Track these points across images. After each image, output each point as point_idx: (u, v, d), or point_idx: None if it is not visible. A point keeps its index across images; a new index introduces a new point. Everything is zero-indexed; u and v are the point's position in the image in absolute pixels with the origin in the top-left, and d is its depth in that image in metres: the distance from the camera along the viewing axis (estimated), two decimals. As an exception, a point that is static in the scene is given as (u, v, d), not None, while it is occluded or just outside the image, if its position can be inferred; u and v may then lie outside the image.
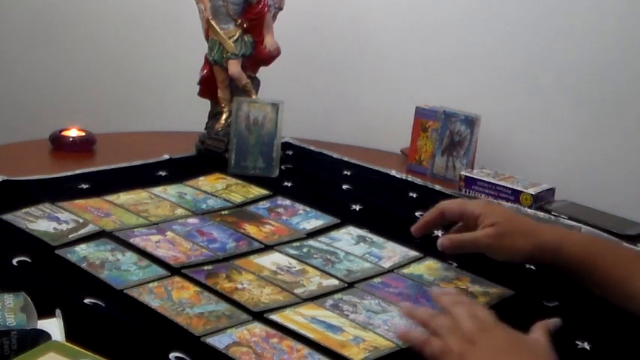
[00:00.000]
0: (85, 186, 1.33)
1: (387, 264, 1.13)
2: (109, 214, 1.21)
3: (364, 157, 1.61)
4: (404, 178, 1.52)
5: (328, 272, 1.08)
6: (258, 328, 0.92)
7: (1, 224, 1.13)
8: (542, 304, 1.04)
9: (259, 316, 0.95)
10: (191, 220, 1.22)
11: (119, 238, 1.13)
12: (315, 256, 1.13)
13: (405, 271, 1.11)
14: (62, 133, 1.57)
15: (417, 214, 1.32)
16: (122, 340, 0.86)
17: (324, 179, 1.47)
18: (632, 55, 1.55)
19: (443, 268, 1.12)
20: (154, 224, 1.19)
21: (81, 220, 1.17)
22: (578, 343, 0.95)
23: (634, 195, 1.56)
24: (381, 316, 0.97)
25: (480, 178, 1.45)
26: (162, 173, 1.43)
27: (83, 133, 1.58)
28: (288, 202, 1.33)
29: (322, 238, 1.20)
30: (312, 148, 1.67)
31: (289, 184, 1.42)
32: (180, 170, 1.45)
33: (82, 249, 1.08)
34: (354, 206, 1.33)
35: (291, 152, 1.61)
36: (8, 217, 1.15)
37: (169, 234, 1.16)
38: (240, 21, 1.49)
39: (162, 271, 1.04)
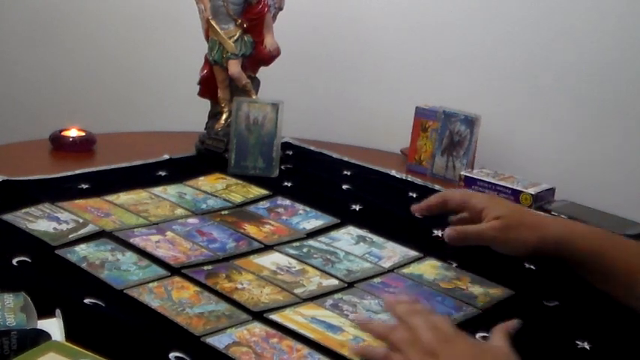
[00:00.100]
0: (85, 186, 1.33)
1: (387, 264, 1.13)
2: (109, 214, 1.21)
3: (364, 157, 1.61)
4: (404, 178, 1.52)
5: (328, 272, 1.08)
6: (258, 328, 0.92)
7: (1, 224, 1.13)
8: (542, 304, 1.04)
9: (259, 316, 0.95)
10: (191, 220, 1.22)
11: (119, 238, 1.13)
12: (315, 256, 1.13)
13: (405, 271, 1.11)
14: (62, 133, 1.57)
15: (417, 214, 1.32)
16: (122, 340, 0.86)
17: (324, 179, 1.47)
18: (632, 55, 1.55)
19: (443, 268, 1.12)
20: (154, 224, 1.19)
21: (81, 220, 1.17)
22: (578, 343, 0.95)
23: (634, 195, 1.56)
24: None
25: (479, 178, 1.45)
26: (162, 173, 1.43)
27: (83, 133, 1.58)
28: (288, 202, 1.33)
29: (322, 238, 1.20)
30: (312, 148, 1.67)
31: (289, 184, 1.42)
32: (180, 170, 1.45)
33: (82, 249, 1.08)
34: (354, 206, 1.33)
35: (291, 152, 1.61)
36: (8, 217, 1.15)
37: (169, 234, 1.16)
38: (240, 21, 1.49)
39: (162, 271, 1.04)
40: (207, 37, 1.53)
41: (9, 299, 0.84)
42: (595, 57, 1.58)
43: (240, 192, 1.36)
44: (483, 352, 0.81)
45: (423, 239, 1.22)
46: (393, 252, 1.16)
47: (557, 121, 1.63)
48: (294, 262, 1.11)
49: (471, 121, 1.53)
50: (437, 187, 1.48)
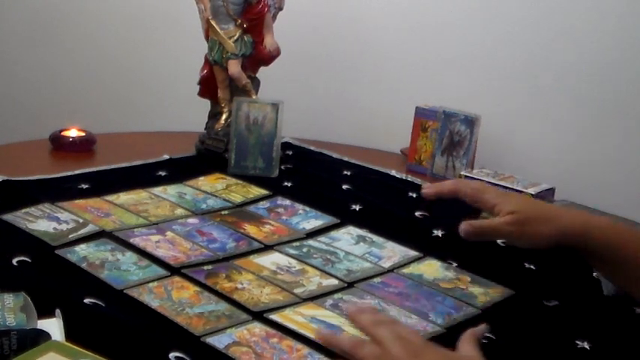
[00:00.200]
0: (85, 186, 1.33)
1: (386, 264, 1.13)
2: (109, 214, 1.21)
3: (364, 157, 1.61)
4: (404, 178, 1.52)
5: (328, 272, 1.08)
6: (258, 327, 0.92)
7: (1, 224, 1.13)
8: (542, 304, 1.04)
9: (259, 315, 0.95)
10: (191, 220, 1.22)
11: (119, 238, 1.13)
12: (314, 255, 1.13)
13: (405, 270, 1.11)
14: (62, 133, 1.57)
15: (417, 214, 1.32)
16: (122, 340, 0.86)
17: (324, 179, 1.47)
18: (632, 55, 1.55)
19: (443, 267, 1.12)
20: (154, 224, 1.19)
21: (81, 220, 1.17)
22: (578, 342, 0.95)
23: (634, 195, 1.56)
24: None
25: (479, 178, 1.44)
26: (162, 173, 1.43)
27: (83, 133, 1.58)
28: (288, 202, 1.33)
29: (322, 238, 1.20)
30: (312, 148, 1.67)
31: (289, 184, 1.42)
32: (180, 170, 1.45)
33: (82, 249, 1.08)
34: (354, 206, 1.33)
35: (291, 152, 1.61)
36: (8, 217, 1.15)
37: (169, 234, 1.16)
38: (240, 21, 1.49)
39: (162, 271, 1.04)
40: (207, 37, 1.53)
41: (9, 299, 0.84)
42: (595, 57, 1.58)
43: (240, 192, 1.36)
44: None
45: (423, 239, 1.22)
46: (392, 252, 1.16)
47: (557, 121, 1.63)
48: (294, 262, 1.11)
49: (471, 121, 1.53)
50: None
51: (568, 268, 1.14)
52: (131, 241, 1.12)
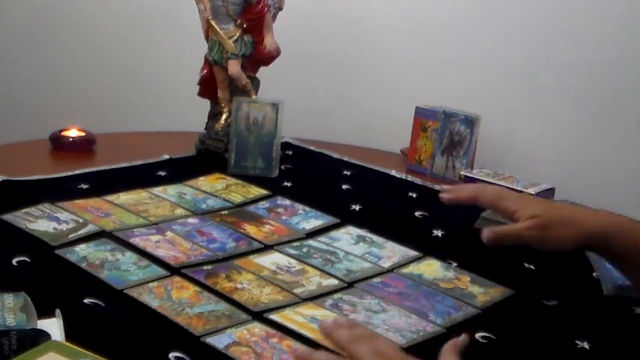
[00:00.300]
0: (85, 186, 1.33)
1: (386, 264, 1.13)
2: (109, 214, 1.21)
3: (364, 157, 1.61)
4: (404, 178, 1.52)
5: (328, 272, 1.08)
6: (257, 327, 0.92)
7: (1, 224, 1.13)
8: (542, 304, 1.04)
9: (259, 315, 0.95)
10: (191, 220, 1.22)
11: (119, 238, 1.13)
12: (314, 255, 1.13)
13: (405, 270, 1.11)
14: (62, 133, 1.57)
15: (416, 214, 1.32)
16: (122, 339, 0.86)
17: (324, 179, 1.47)
18: (632, 55, 1.55)
19: (443, 267, 1.12)
20: (154, 224, 1.19)
21: (81, 220, 1.17)
22: (578, 342, 0.95)
23: (634, 195, 1.56)
24: (381, 315, 0.97)
25: (479, 177, 1.45)
26: (162, 173, 1.43)
27: (83, 133, 1.58)
28: (287, 202, 1.33)
29: (322, 238, 1.20)
30: (312, 148, 1.67)
31: (289, 184, 1.42)
32: (180, 170, 1.45)
33: (81, 249, 1.08)
34: (353, 206, 1.33)
35: (290, 152, 1.61)
36: (8, 217, 1.15)
37: (169, 234, 1.16)
38: (240, 21, 1.49)
39: (162, 271, 1.04)
40: (207, 37, 1.53)
41: (9, 299, 0.84)
42: (595, 57, 1.58)
43: (240, 192, 1.36)
44: None
45: (423, 239, 1.22)
46: (392, 252, 1.16)
47: (557, 121, 1.63)
48: (293, 262, 1.11)
49: (470, 121, 1.53)
50: (437, 187, 1.48)
51: (568, 268, 1.14)
52: (131, 241, 1.12)
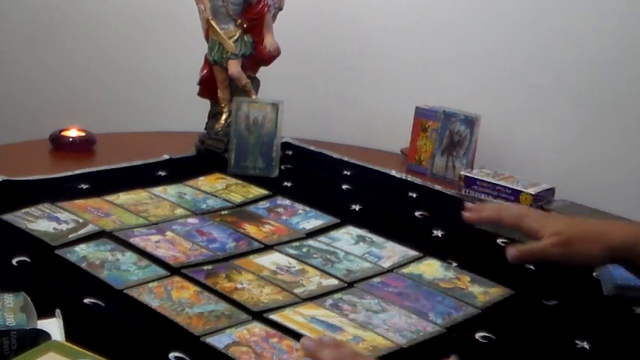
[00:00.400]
0: (85, 186, 1.33)
1: (386, 264, 1.13)
2: (109, 214, 1.21)
3: (364, 157, 1.61)
4: (404, 178, 1.52)
5: (328, 272, 1.08)
6: (257, 327, 0.92)
7: (1, 224, 1.13)
8: (542, 304, 1.04)
9: (259, 315, 0.95)
10: (191, 220, 1.22)
11: (119, 238, 1.13)
12: (314, 255, 1.13)
13: (405, 270, 1.11)
14: (62, 133, 1.57)
15: (416, 214, 1.32)
16: (122, 340, 0.86)
17: (324, 179, 1.47)
18: (632, 55, 1.55)
19: (443, 267, 1.12)
20: (154, 224, 1.19)
21: (81, 220, 1.17)
22: (578, 342, 0.95)
23: (634, 195, 1.56)
24: (381, 315, 0.97)
25: (479, 177, 1.45)
26: (162, 173, 1.43)
27: (83, 133, 1.58)
28: (287, 202, 1.33)
29: (322, 238, 1.20)
30: (312, 148, 1.67)
31: (289, 184, 1.42)
32: (180, 170, 1.45)
33: (81, 249, 1.08)
34: (353, 206, 1.33)
35: (290, 152, 1.61)
36: (8, 217, 1.15)
37: (169, 234, 1.16)
38: (240, 21, 1.49)
39: (162, 271, 1.04)
40: (207, 37, 1.53)
41: (9, 299, 0.84)
42: (595, 57, 1.58)
43: (240, 192, 1.36)
44: None
45: (423, 239, 1.22)
46: (392, 252, 1.16)
47: (557, 121, 1.63)
48: (293, 262, 1.11)
49: (470, 121, 1.53)
50: (437, 187, 1.48)
51: (568, 268, 1.14)
52: (131, 241, 1.12)
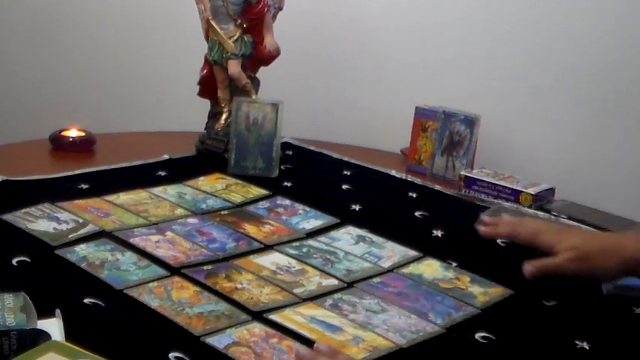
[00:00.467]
0: (85, 186, 1.33)
1: (386, 264, 1.13)
2: (109, 214, 1.21)
3: (364, 157, 1.61)
4: (404, 178, 1.52)
5: (328, 272, 1.08)
6: (257, 327, 0.92)
7: (1, 224, 1.13)
8: (542, 304, 1.04)
9: (259, 315, 0.95)
10: (191, 220, 1.22)
11: (119, 238, 1.13)
12: (314, 255, 1.13)
13: (405, 270, 1.11)
14: (62, 133, 1.57)
15: (416, 214, 1.32)
16: (122, 340, 0.86)
17: (324, 179, 1.47)
18: (632, 55, 1.55)
19: (442, 267, 1.12)
20: (154, 224, 1.19)
21: (81, 220, 1.17)
22: (578, 342, 0.95)
23: (634, 195, 1.56)
24: (381, 315, 0.97)
25: (479, 177, 1.45)
26: (162, 173, 1.43)
27: (83, 133, 1.58)
28: (287, 202, 1.33)
29: (322, 238, 1.20)
30: (312, 148, 1.67)
31: (289, 184, 1.42)
32: (180, 170, 1.45)
33: (81, 249, 1.08)
34: (353, 206, 1.33)
35: (290, 152, 1.61)
36: (8, 217, 1.15)
37: (169, 234, 1.16)
38: (240, 21, 1.49)
39: (161, 271, 1.04)
40: (207, 37, 1.53)
41: (9, 299, 0.84)
42: (595, 57, 1.58)
43: (240, 192, 1.36)
44: None
45: (423, 239, 1.22)
46: (392, 252, 1.16)
47: (557, 121, 1.63)
48: (293, 262, 1.11)
49: (470, 121, 1.53)
50: (437, 187, 1.48)
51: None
52: (131, 241, 1.12)
